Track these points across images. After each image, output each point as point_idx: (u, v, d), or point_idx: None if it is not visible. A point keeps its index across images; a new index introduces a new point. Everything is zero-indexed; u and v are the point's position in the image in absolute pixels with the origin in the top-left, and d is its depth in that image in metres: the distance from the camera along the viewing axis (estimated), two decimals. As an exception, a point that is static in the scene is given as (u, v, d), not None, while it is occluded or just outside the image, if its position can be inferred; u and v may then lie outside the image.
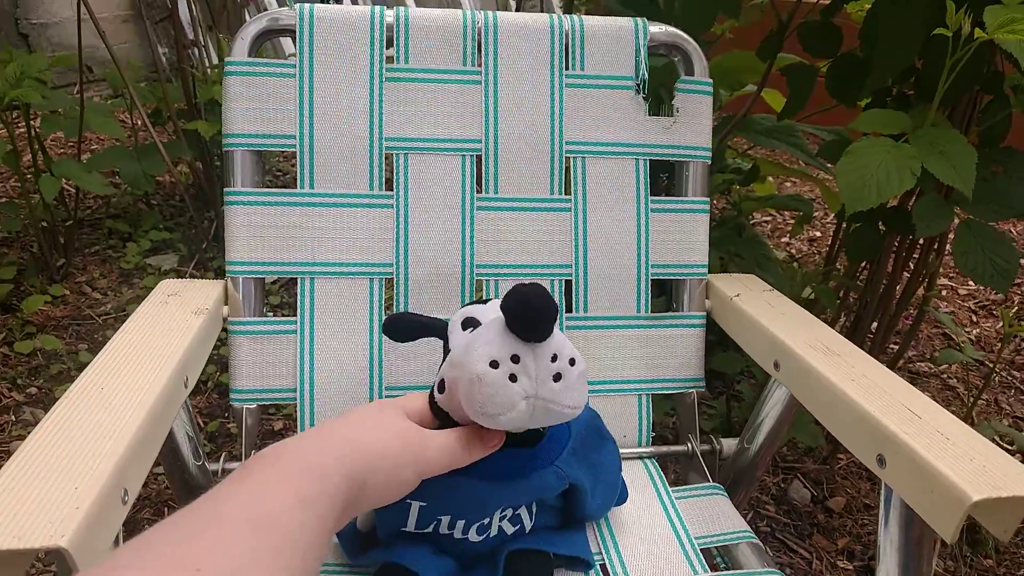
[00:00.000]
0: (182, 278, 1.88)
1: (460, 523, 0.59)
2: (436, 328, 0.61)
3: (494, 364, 0.49)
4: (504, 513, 0.60)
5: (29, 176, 1.76)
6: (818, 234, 2.39)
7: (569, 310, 0.81)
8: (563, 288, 0.81)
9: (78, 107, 1.76)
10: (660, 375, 0.83)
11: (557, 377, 0.50)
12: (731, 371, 1.30)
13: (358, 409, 0.51)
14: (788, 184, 2.68)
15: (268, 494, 0.37)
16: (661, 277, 0.82)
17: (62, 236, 1.88)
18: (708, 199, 0.83)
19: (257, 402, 0.77)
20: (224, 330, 0.77)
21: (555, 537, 0.64)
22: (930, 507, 0.51)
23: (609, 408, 0.81)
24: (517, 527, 0.61)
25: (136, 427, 0.50)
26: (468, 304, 0.62)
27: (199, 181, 2.04)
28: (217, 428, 1.44)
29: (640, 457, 0.81)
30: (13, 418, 1.43)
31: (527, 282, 0.49)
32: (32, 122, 1.75)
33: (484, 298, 0.62)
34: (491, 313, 0.58)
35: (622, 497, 0.71)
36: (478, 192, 0.80)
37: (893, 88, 1.02)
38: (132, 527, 1.26)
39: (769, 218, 2.50)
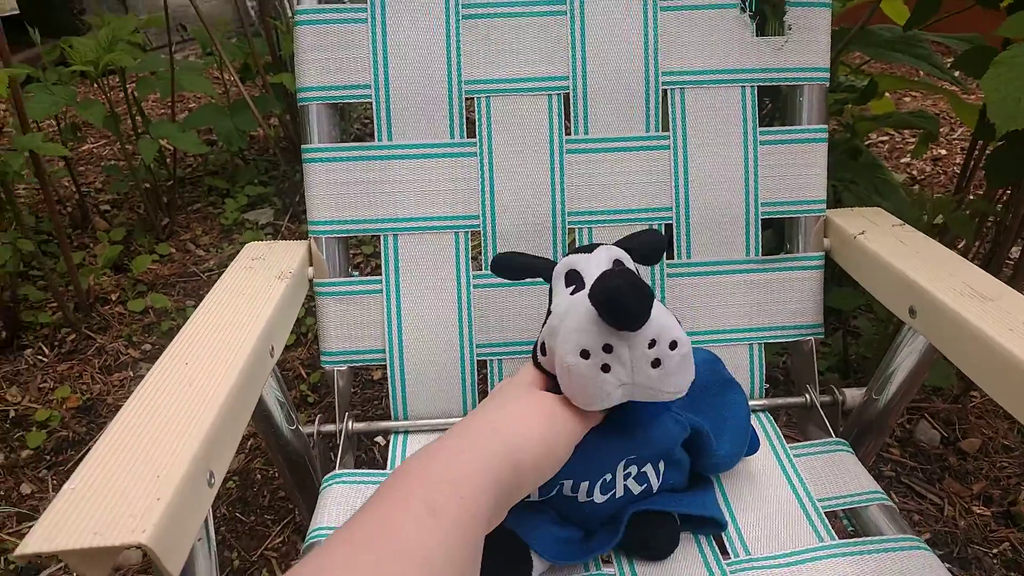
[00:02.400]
0: (278, 232, 1.92)
1: (583, 485, 0.56)
2: (544, 270, 0.58)
3: (584, 354, 0.46)
4: (628, 471, 0.56)
5: (131, 139, 1.81)
6: (943, 152, 2.19)
7: (671, 256, 0.74)
8: (663, 232, 0.74)
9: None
10: (773, 322, 0.75)
11: (656, 363, 0.47)
12: (848, 307, 1.20)
13: (493, 396, 0.51)
14: (907, 100, 2.45)
15: (439, 489, 0.40)
16: (773, 216, 0.74)
17: (165, 196, 1.93)
18: (826, 126, 0.74)
19: (347, 364, 0.76)
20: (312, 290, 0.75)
21: (682, 497, 0.60)
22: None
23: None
24: (644, 486, 0.57)
25: (219, 405, 0.48)
26: (571, 252, 0.57)
27: (289, 134, 2.05)
28: (320, 379, 1.46)
29: (753, 411, 0.74)
30: (131, 373, 1.49)
31: (617, 270, 0.46)
32: (128, 86, 1.79)
33: (588, 244, 0.57)
34: (595, 265, 0.54)
35: (752, 446, 0.65)
36: (567, 134, 0.73)
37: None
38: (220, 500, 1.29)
39: (886, 138, 2.31)
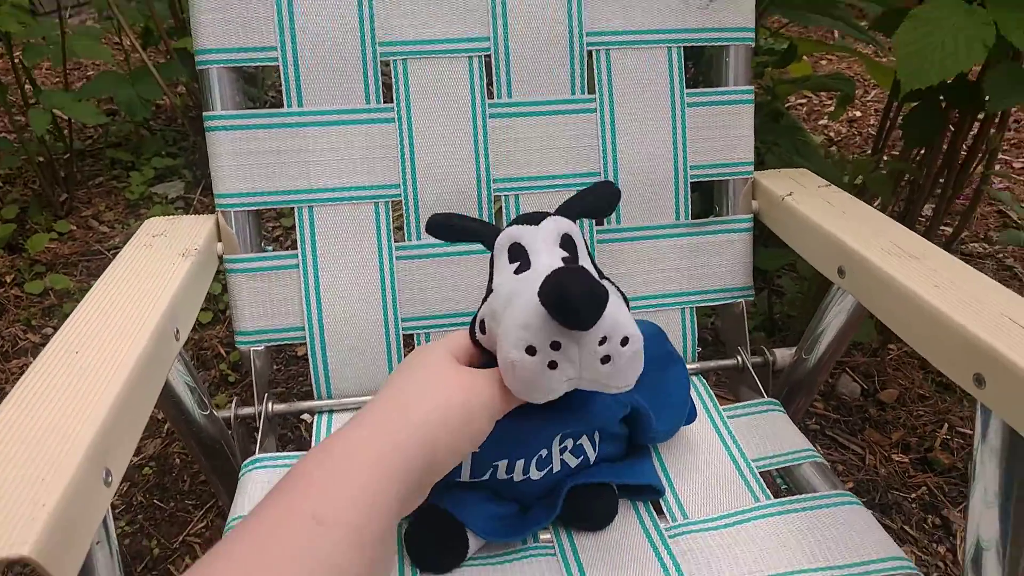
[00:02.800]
0: (190, 206, 1.82)
1: (518, 463, 0.54)
2: (486, 236, 0.54)
3: (531, 350, 0.43)
4: (564, 444, 0.54)
5: (22, 110, 1.68)
6: (858, 114, 2.24)
7: (600, 223, 0.72)
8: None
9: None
10: (704, 286, 0.75)
11: (606, 359, 0.44)
12: (773, 267, 1.22)
13: (406, 365, 0.47)
14: (823, 63, 2.50)
15: (327, 493, 0.38)
16: (702, 179, 0.73)
17: (62, 170, 1.80)
18: (752, 87, 0.73)
19: (264, 343, 0.71)
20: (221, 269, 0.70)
21: (619, 467, 0.59)
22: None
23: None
24: (580, 458, 0.56)
25: (115, 395, 0.44)
26: (515, 222, 0.53)
27: (198, 102, 1.94)
28: (240, 358, 1.40)
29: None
30: (31, 360, 1.40)
31: (565, 266, 0.44)
32: (15, 54, 1.65)
33: (533, 214, 0.53)
34: (541, 240, 0.50)
35: (690, 416, 0.64)
36: (489, 98, 0.70)
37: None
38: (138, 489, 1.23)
39: (804, 100, 2.35)
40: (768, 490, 0.60)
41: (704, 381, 0.73)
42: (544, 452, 0.54)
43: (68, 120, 1.77)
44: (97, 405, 0.43)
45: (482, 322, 0.50)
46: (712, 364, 0.76)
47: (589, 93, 0.71)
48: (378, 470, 0.39)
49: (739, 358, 0.76)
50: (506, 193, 0.71)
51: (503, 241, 0.52)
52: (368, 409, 0.43)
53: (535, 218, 0.52)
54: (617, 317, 0.45)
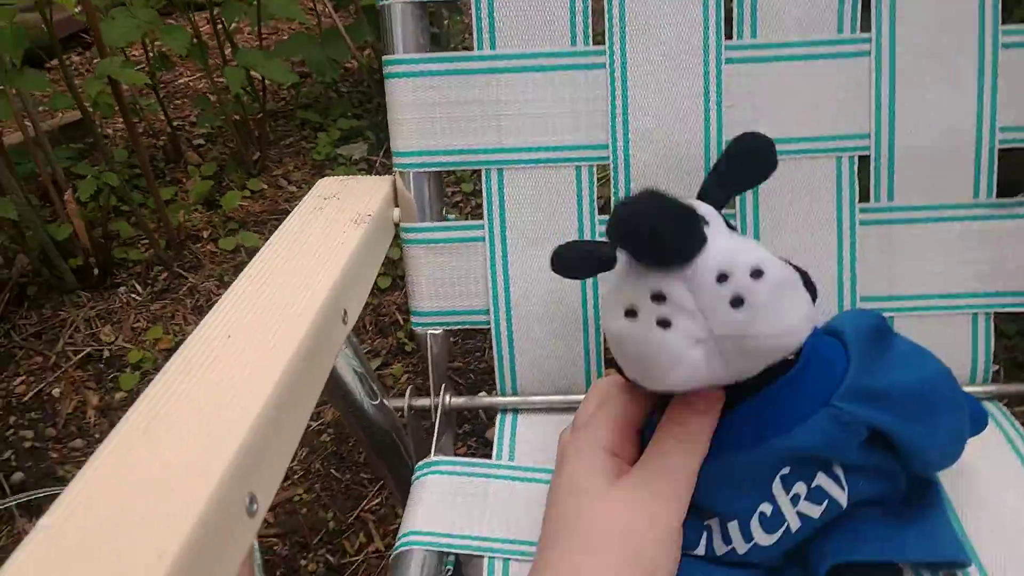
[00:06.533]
0: (372, 167, 1.80)
1: (732, 525, 0.40)
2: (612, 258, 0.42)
3: (631, 313, 0.35)
4: (794, 492, 0.40)
5: (221, 70, 1.72)
6: None
7: (865, 199, 0.56)
8: (854, 168, 0.56)
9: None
10: (1008, 286, 0.56)
11: (737, 302, 0.33)
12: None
13: (553, 493, 0.41)
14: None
15: None
16: (1015, 144, 0.55)
17: (256, 130, 1.84)
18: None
19: (443, 326, 0.62)
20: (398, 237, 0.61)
21: (902, 533, 0.42)
22: None
23: (927, 333, 0.56)
24: (825, 504, 0.40)
25: (260, 408, 0.35)
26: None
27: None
28: (415, 332, 1.35)
29: (977, 399, 0.56)
30: (221, 319, 1.42)
31: (642, 191, 0.33)
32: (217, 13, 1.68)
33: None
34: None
35: (978, 422, 0.47)
36: (727, 39, 0.55)
37: None
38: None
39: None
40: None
41: (1002, 408, 0.56)
42: (767, 507, 0.40)
43: (262, 80, 1.80)
44: (240, 414, 0.34)
45: None
46: (1017, 388, 0.58)
47: (862, 32, 0.54)
48: None
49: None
50: (740, 159, 0.56)
51: None
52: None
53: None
54: (735, 248, 0.34)
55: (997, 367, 0.57)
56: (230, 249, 1.60)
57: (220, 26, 1.69)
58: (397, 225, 0.61)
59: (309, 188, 0.61)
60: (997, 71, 0.53)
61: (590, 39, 0.56)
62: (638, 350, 0.35)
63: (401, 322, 1.40)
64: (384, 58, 0.58)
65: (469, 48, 0.57)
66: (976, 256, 0.56)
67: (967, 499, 0.48)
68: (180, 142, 1.88)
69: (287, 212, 1.70)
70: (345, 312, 0.48)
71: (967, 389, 0.56)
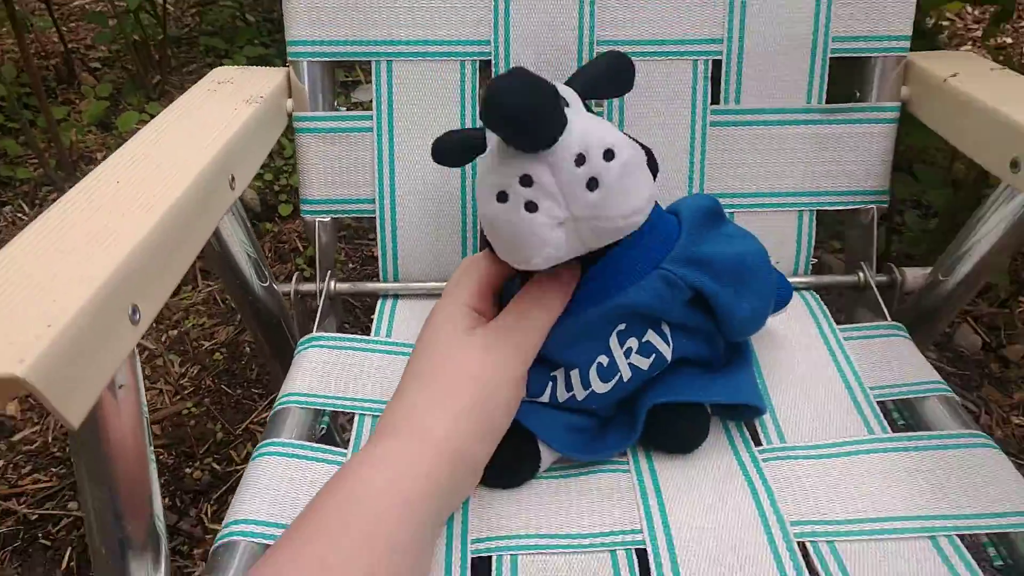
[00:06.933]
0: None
1: (574, 376, 0.46)
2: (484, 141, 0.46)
3: (502, 196, 0.38)
4: (627, 345, 0.46)
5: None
6: (1009, 40, 2.00)
7: (716, 101, 0.62)
8: (707, 72, 0.62)
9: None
10: (831, 186, 0.64)
11: (592, 184, 0.37)
12: (897, 196, 1.08)
13: (420, 344, 0.45)
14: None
15: (376, 507, 0.36)
16: (845, 54, 0.62)
17: (156, 53, 1.79)
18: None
19: (331, 214, 0.65)
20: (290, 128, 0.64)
21: (712, 382, 0.49)
22: None
23: (759, 227, 0.62)
24: (653, 357, 0.46)
25: (150, 227, 0.38)
26: None
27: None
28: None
29: (796, 288, 0.64)
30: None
31: (509, 70, 0.36)
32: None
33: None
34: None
35: (784, 295, 0.54)
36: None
37: None
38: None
39: (947, 22, 2.11)
40: (885, 422, 0.51)
41: (816, 296, 0.64)
42: (604, 359, 0.46)
43: (164, 4, 1.75)
44: (129, 234, 0.37)
45: None
46: (827, 279, 0.66)
47: (718, -57, 0.60)
48: (407, 511, 0.37)
49: (861, 275, 0.66)
50: (609, 60, 0.62)
51: None
52: (384, 433, 0.41)
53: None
54: (590, 127, 0.37)
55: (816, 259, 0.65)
56: (128, 172, 1.56)
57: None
58: (290, 115, 0.64)
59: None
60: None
61: (475, -60, 0.60)
62: (509, 231, 0.39)
63: (301, 248, 1.42)
64: (277, -54, 0.60)
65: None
66: (804, 157, 0.63)
67: (772, 362, 0.56)
68: (75, 64, 1.81)
69: (188, 136, 1.66)
70: (233, 178, 0.51)
71: (792, 280, 0.64)
